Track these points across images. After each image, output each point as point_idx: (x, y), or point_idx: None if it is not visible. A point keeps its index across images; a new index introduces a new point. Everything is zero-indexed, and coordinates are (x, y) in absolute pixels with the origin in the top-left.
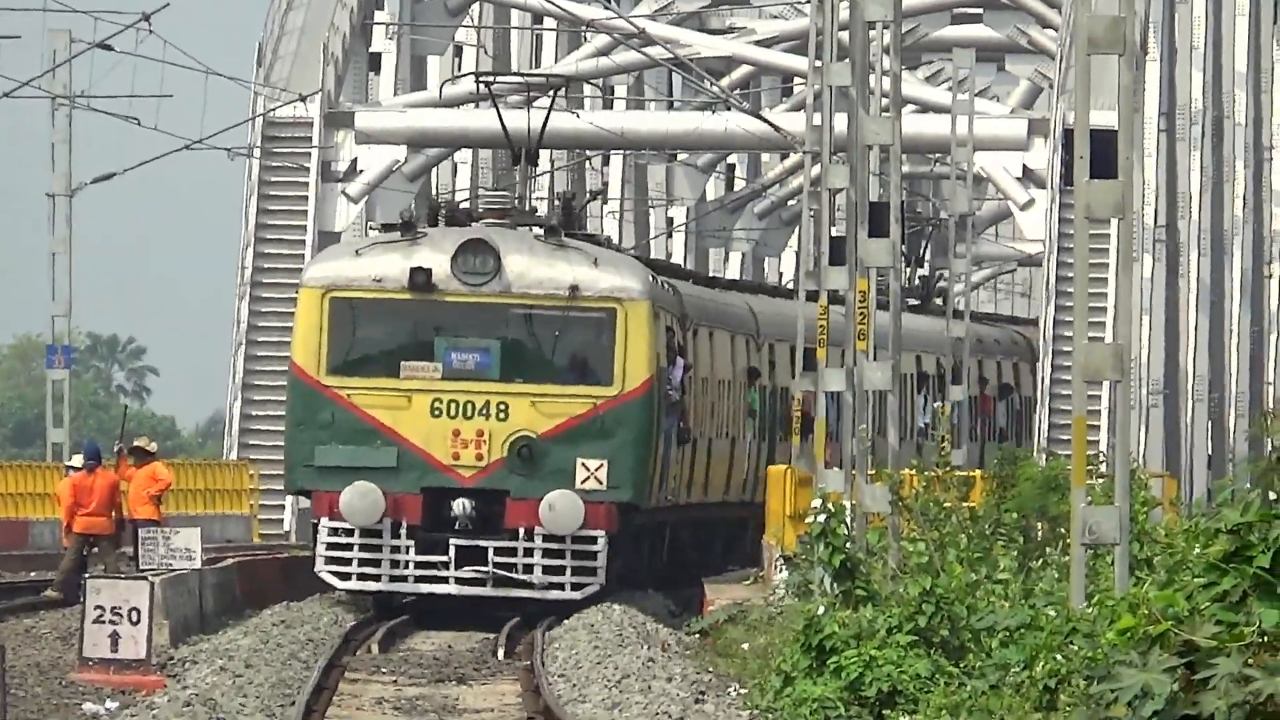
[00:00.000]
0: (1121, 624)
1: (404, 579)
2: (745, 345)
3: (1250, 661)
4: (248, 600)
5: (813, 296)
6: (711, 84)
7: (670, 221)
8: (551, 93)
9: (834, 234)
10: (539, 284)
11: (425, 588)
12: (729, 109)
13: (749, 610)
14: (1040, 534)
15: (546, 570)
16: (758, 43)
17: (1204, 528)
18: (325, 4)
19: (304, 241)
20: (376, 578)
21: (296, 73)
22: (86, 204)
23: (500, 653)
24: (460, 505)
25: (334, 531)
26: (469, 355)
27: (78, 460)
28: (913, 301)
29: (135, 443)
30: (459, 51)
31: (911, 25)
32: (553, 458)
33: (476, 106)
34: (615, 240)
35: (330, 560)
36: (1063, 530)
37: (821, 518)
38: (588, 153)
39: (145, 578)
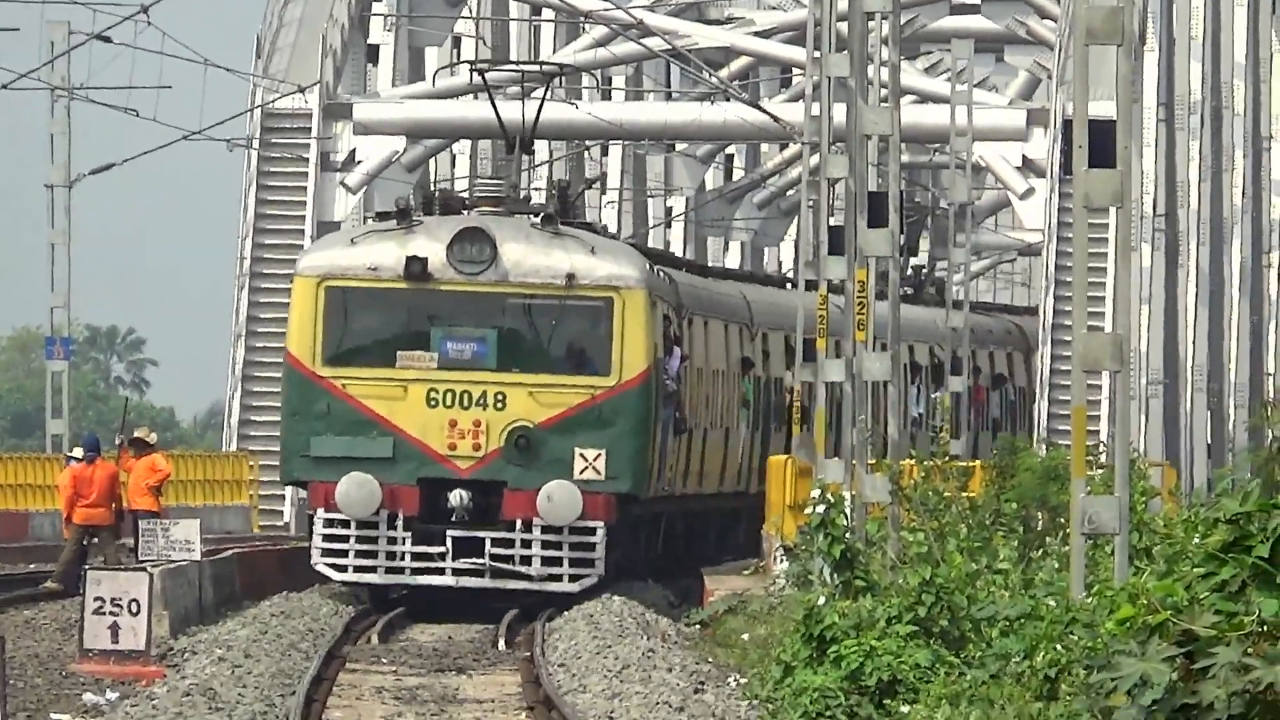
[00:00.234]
0: (1121, 614)
1: (401, 571)
2: (739, 335)
3: (1249, 651)
4: (247, 591)
5: (810, 286)
6: (710, 75)
7: (669, 212)
8: (547, 82)
9: (833, 224)
10: (535, 272)
11: (422, 579)
12: (728, 99)
13: (749, 601)
14: (1040, 524)
15: (544, 562)
16: (756, 33)
17: (1203, 518)
18: None
19: (303, 232)
20: (373, 569)
21: (295, 64)
22: (85, 195)
23: (500, 643)
24: (457, 496)
25: (330, 523)
26: (465, 345)
27: (79, 452)
28: (906, 291)
29: (135, 434)
30: (457, 43)
31: (910, 16)
32: (550, 448)
33: (475, 98)
34: (612, 229)
35: (326, 552)
36: (1062, 520)
37: (821, 508)
38: (587, 143)
39: (145, 569)
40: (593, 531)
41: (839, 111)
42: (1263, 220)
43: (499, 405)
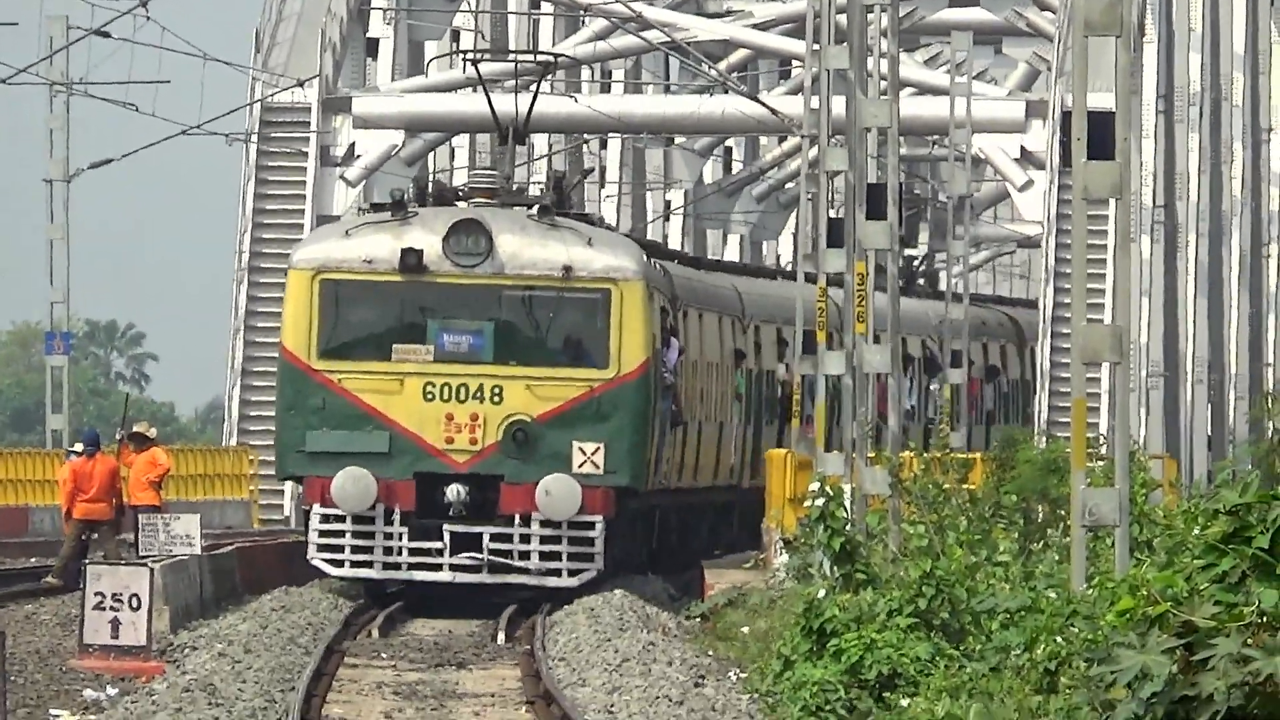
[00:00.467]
0: (1121, 605)
1: (398, 566)
2: (732, 327)
3: (1249, 642)
4: (247, 586)
5: (810, 279)
6: (709, 67)
7: (668, 205)
8: (541, 71)
9: (832, 216)
10: (532, 264)
11: (420, 575)
12: (726, 92)
13: (749, 594)
14: (1040, 516)
15: (543, 556)
16: (755, 26)
17: (1203, 509)
18: None
19: (302, 226)
20: (370, 565)
21: (294, 58)
22: (84, 190)
23: (500, 637)
24: (454, 491)
25: (326, 518)
26: (462, 337)
27: (79, 447)
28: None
29: (134, 428)
30: (456, 36)
31: (909, 8)
32: (548, 442)
33: (474, 91)
34: (610, 223)
35: (323, 547)
36: (1063, 512)
37: (821, 501)
38: (585, 136)
39: (145, 564)
40: (591, 526)
41: (838, 104)
42: (1262, 212)
43: (496, 398)
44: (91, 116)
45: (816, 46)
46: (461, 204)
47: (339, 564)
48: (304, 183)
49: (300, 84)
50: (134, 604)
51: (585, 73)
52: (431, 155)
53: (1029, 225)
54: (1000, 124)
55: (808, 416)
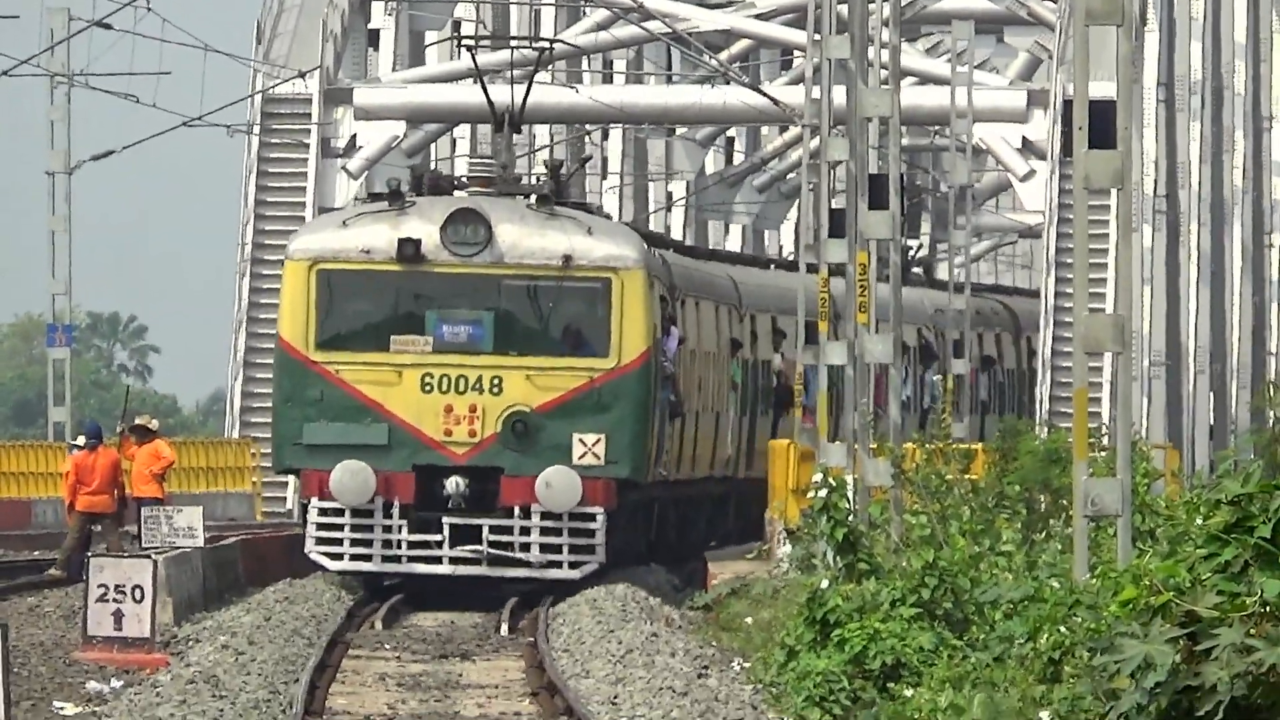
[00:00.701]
0: (1124, 595)
1: (397, 559)
2: (729, 316)
3: (1252, 632)
4: (250, 578)
5: (811, 269)
6: (710, 57)
7: (670, 195)
8: (537, 57)
9: (833, 207)
10: (531, 254)
11: (419, 568)
12: (728, 83)
13: (752, 585)
14: (1043, 506)
15: (544, 549)
16: (756, 16)
17: (1205, 499)
18: None
19: (303, 218)
20: (369, 558)
21: (295, 49)
22: (86, 182)
23: (504, 629)
24: (453, 483)
25: (324, 511)
26: (460, 328)
27: (81, 440)
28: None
29: (136, 421)
30: (457, 27)
31: None
32: (548, 433)
33: (475, 82)
34: (612, 214)
35: (321, 541)
36: (1065, 502)
37: (824, 492)
38: (587, 127)
39: (148, 556)
40: (592, 518)
41: (839, 94)
42: (1263, 200)
43: (495, 389)
44: (93, 108)
45: (818, 36)
46: (459, 194)
47: (337, 558)
48: (305, 174)
49: (301, 75)
50: (137, 596)
51: (586, 63)
52: (433, 146)
53: (1030, 215)
54: (1001, 113)
55: (805, 407)
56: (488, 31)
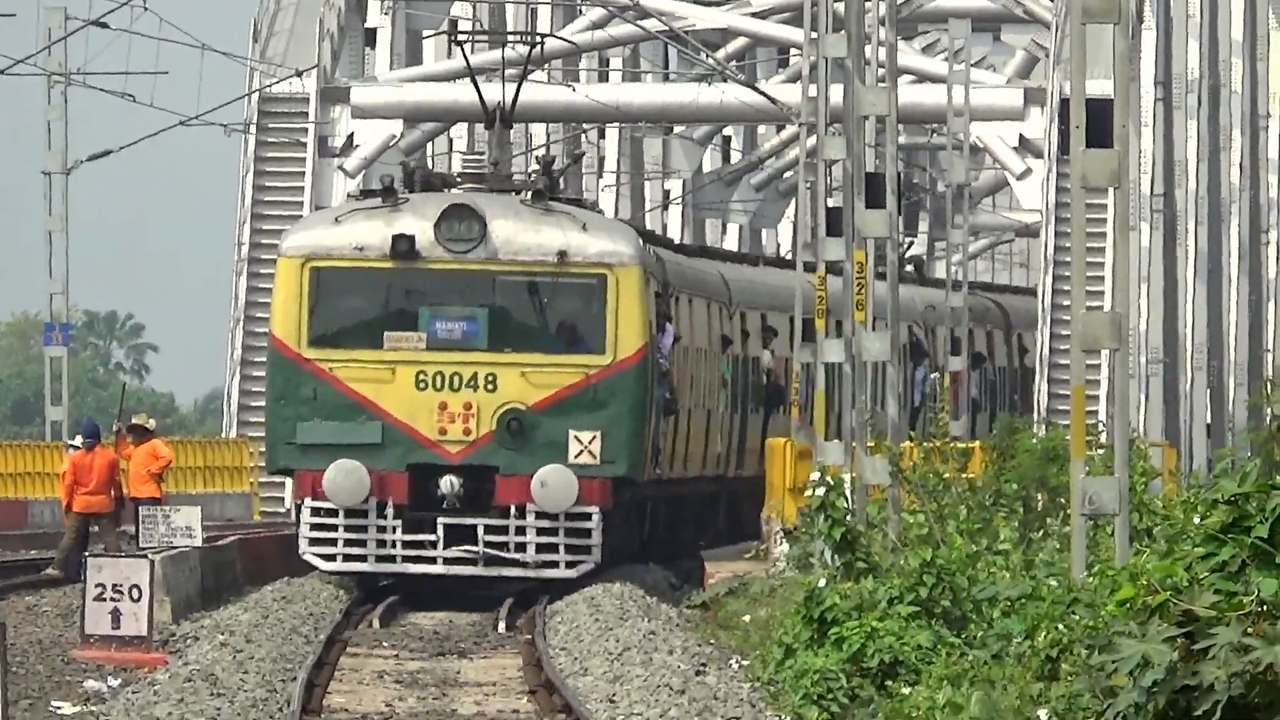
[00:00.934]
0: (1121, 594)
1: (391, 560)
2: (719, 313)
3: (1249, 631)
4: (248, 577)
5: (809, 267)
6: (707, 56)
7: (666, 194)
8: (529, 52)
9: (830, 205)
10: (526, 250)
11: (413, 568)
12: (725, 81)
13: (749, 583)
14: (1040, 505)
15: (539, 549)
16: (753, 14)
17: (1203, 498)
18: None
19: (301, 217)
20: (363, 558)
21: (292, 48)
22: (83, 181)
23: (501, 627)
24: (448, 483)
25: (317, 512)
26: (455, 325)
27: (79, 440)
28: (880, 270)
29: (134, 420)
30: (454, 26)
31: None
32: (544, 431)
33: (472, 81)
34: (609, 213)
35: (315, 542)
36: (1063, 501)
37: (821, 491)
38: (584, 126)
39: (146, 555)
40: (589, 517)
41: (836, 92)
42: (1261, 198)
43: (490, 387)
44: (90, 107)
45: (814, 35)
46: (454, 190)
47: (331, 558)
48: (303, 174)
49: (298, 74)
50: (134, 595)
51: (583, 62)
52: (430, 145)
53: (1027, 213)
54: (998, 112)
55: (793, 403)
56: (485, 28)
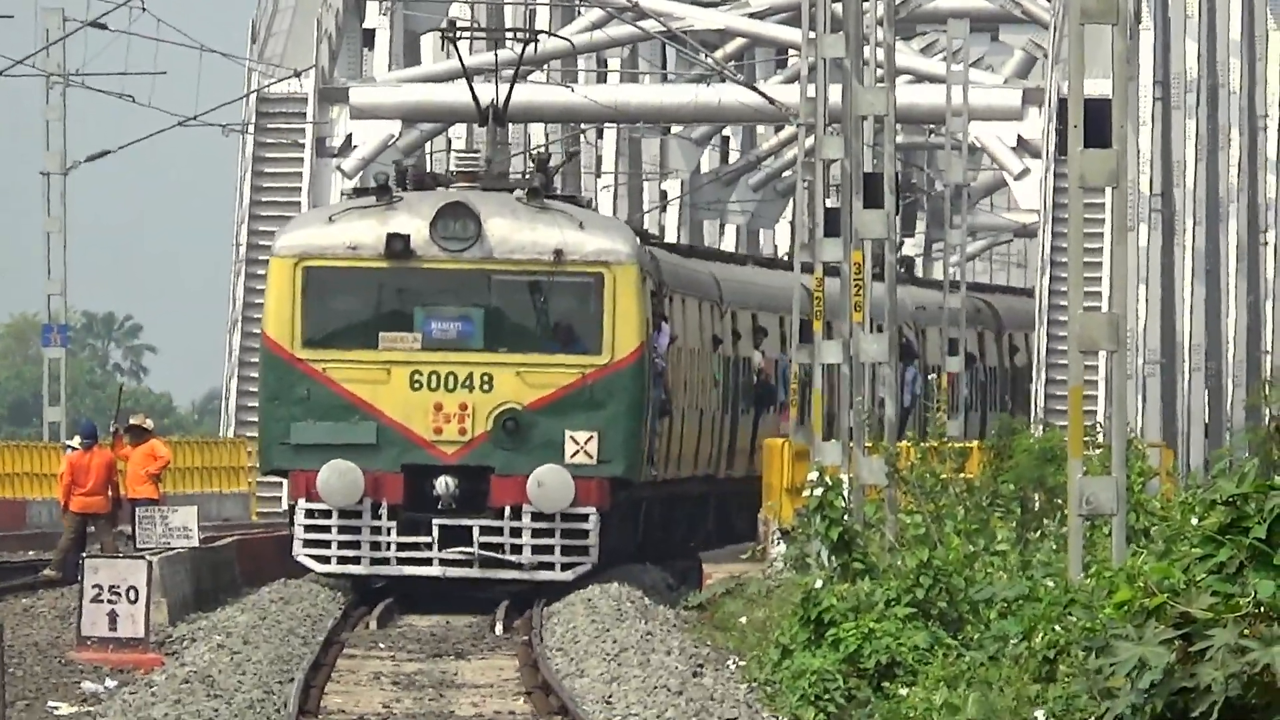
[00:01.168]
0: (1119, 596)
1: (386, 562)
2: (711, 313)
3: (1246, 632)
4: (246, 578)
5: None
6: (706, 56)
7: (664, 194)
8: (522, 49)
9: (828, 205)
10: (522, 248)
11: (408, 570)
12: (723, 81)
13: (746, 584)
14: (1037, 505)
15: (535, 550)
16: (751, 15)
17: (1200, 499)
18: None
19: None
20: (357, 560)
21: (291, 49)
22: (81, 182)
23: (498, 628)
24: (443, 483)
25: (311, 513)
26: (450, 325)
27: (77, 441)
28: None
29: (131, 421)
30: (452, 26)
31: None
32: (540, 431)
33: (465, 78)
34: (607, 213)
35: (308, 543)
36: (1060, 501)
37: (818, 491)
38: (582, 126)
39: (143, 556)
40: (585, 518)
41: (834, 92)
42: (1259, 198)
43: (485, 387)
44: (88, 108)
45: (813, 35)
46: (450, 188)
47: (325, 560)
48: (301, 174)
49: (297, 75)
50: (132, 596)
51: (581, 62)
52: (428, 145)
53: (1025, 213)
54: (996, 112)
55: (782, 404)
56: (483, 29)
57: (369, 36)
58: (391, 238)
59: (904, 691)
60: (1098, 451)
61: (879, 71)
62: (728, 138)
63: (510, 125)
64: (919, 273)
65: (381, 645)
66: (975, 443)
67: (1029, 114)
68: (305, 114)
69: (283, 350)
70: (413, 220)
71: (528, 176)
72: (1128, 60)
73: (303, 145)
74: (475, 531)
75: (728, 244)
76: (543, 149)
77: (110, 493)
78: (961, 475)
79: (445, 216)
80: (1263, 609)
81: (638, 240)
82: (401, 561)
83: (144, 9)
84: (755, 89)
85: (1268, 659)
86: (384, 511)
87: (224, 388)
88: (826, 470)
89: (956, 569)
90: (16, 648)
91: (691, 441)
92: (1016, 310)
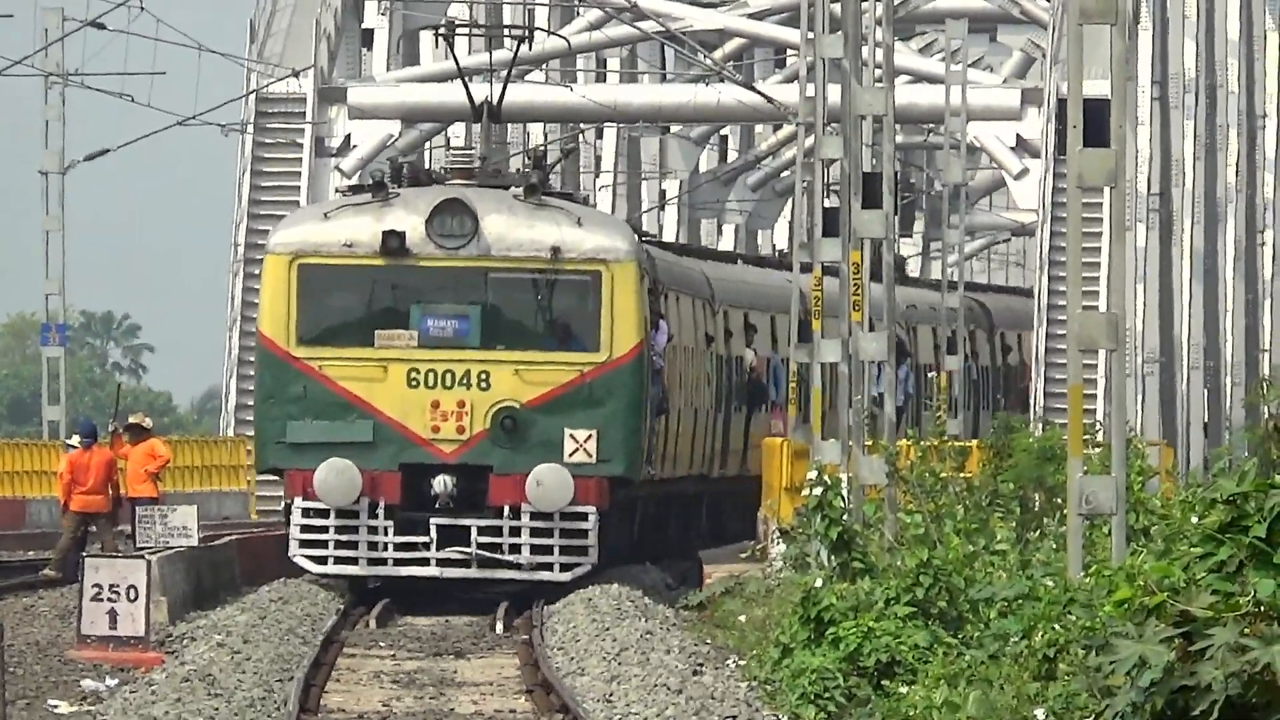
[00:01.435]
0: (1118, 595)
1: (383, 562)
2: (703, 311)
3: (1246, 631)
4: (246, 577)
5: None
6: (704, 56)
7: (663, 194)
8: (517, 45)
9: (827, 205)
10: (519, 245)
11: (405, 570)
12: (722, 81)
13: (746, 583)
14: (1037, 504)
15: (534, 550)
16: (750, 15)
17: (1200, 498)
18: None
19: None
20: (354, 560)
21: (290, 48)
22: (80, 181)
23: (498, 627)
24: (441, 482)
25: (308, 512)
26: (447, 322)
27: (76, 439)
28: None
29: (131, 419)
30: (451, 26)
31: None
32: (538, 429)
33: (460, 76)
34: (599, 207)
35: (305, 543)
36: (1059, 500)
37: (818, 490)
38: (581, 126)
39: (143, 555)
40: (585, 518)
41: (833, 92)
42: (1257, 198)
43: (483, 385)
44: (87, 108)
45: (811, 35)
46: (448, 184)
47: (322, 560)
48: (299, 173)
49: (295, 74)
50: (131, 595)
51: (580, 62)
52: (427, 145)
53: (1024, 213)
54: (995, 112)
55: (774, 403)
56: (482, 29)
57: (368, 36)
58: (387, 235)
59: (904, 690)
60: (1097, 450)
61: (878, 71)
62: (726, 137)
63: (509, 125)
64: (914, 272)
65: (382, 644)
66: (975, 442)
67: (1028, 114)
68: (304, 114)
69: (278, 348)
70: (409, 217)
71: (524, 173)
72: (1126, 60)
73: (301, 145)
74: (473, 531)
75: (726, 244)
76: (541, 148)
77: (110, 492)
78: (961, 474)
79: (442, 213)
80: (1263, 608)
81: (636, 237)
82: (399, 562)
83: (143, 9)
84: (754, 89)
85: (1268, 658)
86: (381, 511)
87: (223, 386)
88: (826, 469)
89: (956, 568)
90: (16, 647)
91: (687, 440)
92: (1008, 309)
